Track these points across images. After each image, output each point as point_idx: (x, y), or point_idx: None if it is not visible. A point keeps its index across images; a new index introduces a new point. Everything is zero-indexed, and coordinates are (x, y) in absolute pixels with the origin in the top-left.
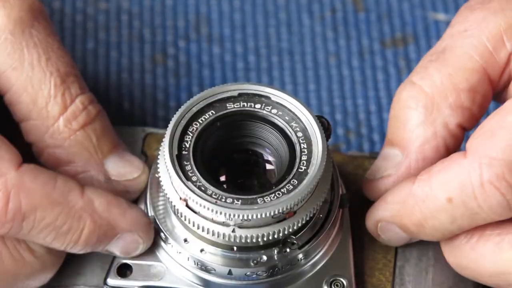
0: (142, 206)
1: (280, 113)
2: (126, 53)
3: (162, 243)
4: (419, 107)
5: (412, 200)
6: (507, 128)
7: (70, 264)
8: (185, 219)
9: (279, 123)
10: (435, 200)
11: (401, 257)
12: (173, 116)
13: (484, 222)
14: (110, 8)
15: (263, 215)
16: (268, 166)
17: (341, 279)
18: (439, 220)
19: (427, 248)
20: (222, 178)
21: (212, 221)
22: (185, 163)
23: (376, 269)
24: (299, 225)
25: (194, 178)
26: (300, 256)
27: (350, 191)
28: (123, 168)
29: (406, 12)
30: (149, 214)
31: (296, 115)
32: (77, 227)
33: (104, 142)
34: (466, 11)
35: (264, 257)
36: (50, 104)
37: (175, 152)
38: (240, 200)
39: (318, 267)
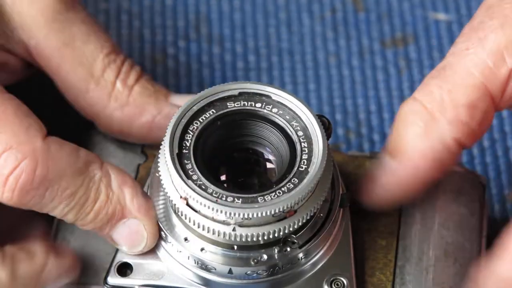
0: None
1: (280, 112)
2: (126, 53)
3: (163, 242)
4: (418, 121)
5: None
6: None
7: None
8: (185, 218)
9: (280, 122)
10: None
11: (401, 256)
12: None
13: None
14: (110, 8)
15: (264, 214)
16: (269, 165)
17: (342, 279)
18: None
19: (428, 247)
20: (223, 177)
21: (213, 219)
22: (186, 161)
23: (376, 269)
24: (300, 224)
25: (194, 177)
26: (301, 255)
27: (350, 191)
28: (186, 98)
29: (406, 12)
30: None
31: (296, 114)
32: (93, 198)
33: (159, 86)
34: (469, 31)
35: (265, 256)
36: (107, 73)
37: (176, 150)
38: (240, 199)
39: (319, 266)
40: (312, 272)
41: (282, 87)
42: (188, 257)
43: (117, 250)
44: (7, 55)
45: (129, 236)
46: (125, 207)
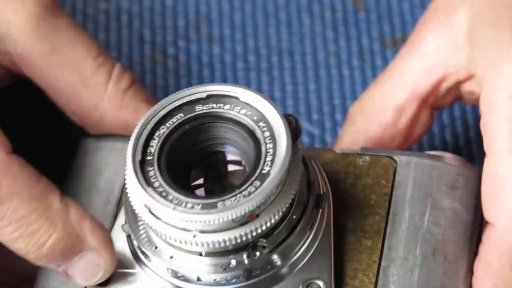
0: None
1: (249, 113)
2: (126, 53)
3: (137, 251)
4: (356, 120)
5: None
6: None
7: (56, 273)
8: (151, 226)
9: (247, 124)
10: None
11: (386, 257)
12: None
13: None
14: (110, 8)
15: (222, 219)
16: (236, 168)
17: (318, 282)
18: None
19: (415, 246)
20: (192, 182)
21: (174, 227)
22: (149, 168)
23: (359, 270)
24: (264, 228)
25: (156, 184)
26: (276, 258)
27: (338, 190)
28: None
29: (406, 12)
30: (125, 222)
31: (263, 114)
32: (47, 229)
33: (149, 95)
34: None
35: (233, 262)
36: (97, 75)
37: (139, 158)
38: (200, 205)
39: (296, 269)
40: (289, 276)
41: (282, 87)
42: (160, 265)
43: None
44: None
45: (86, 268)
46: (85, 241)
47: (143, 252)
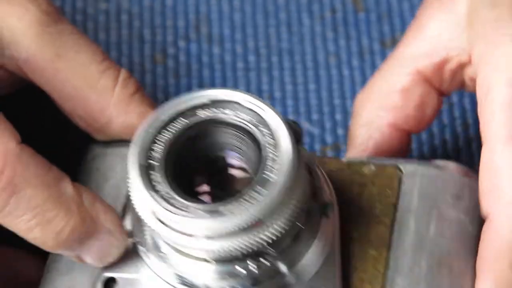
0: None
1: (250, 118)
2: (126, 53)
3: (144, 256)
4: (364, 111)
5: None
6: None
7: (61, 278)
8: (158, 232)
9: (250, 129)
10: (502, 273)
11: (392, 267)
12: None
13: None
14: (110, 8)
15: (228, 225)
16: (240, 174)
17: None
18: None
19: (420, 257)
20: (195, 188)
21: (181, 233)
22: (153, 173)
23: (365, 280)
24: (269, 234)
25: (161, 189)
26: (282, 266)
27: (344, 199)
28: None
29: (406, 12)
30: (131, 228)
31: (265, 120)
32: (63, 215)
33: (153, 102)
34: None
35: (241, 269)
36: (103, 79)
37: (142, 162)
38: (205, 211)
39: (303, 278)
40: (296, 284)
41: (282, 87)
42: (167, 271)
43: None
44: None
45: (100, 250)
46: (99, 222)
47: (149, 258)
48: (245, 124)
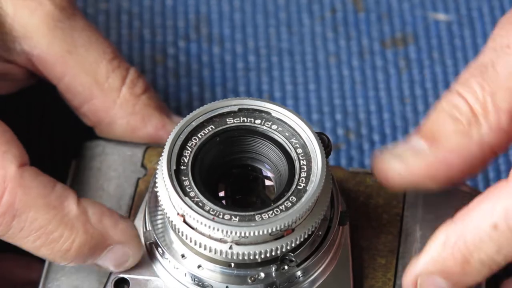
0: (141, 220)
1: (280, 129)
2: (126, 53)
3: (160, 258)
4: (461, 118)
5: (453, 237)
6: None
7: (67, 277)
8: (182, 235)
9: (279, 139)
10: (479, 230)
11: (401, 275)
12: (173, 129)
13: None
14: (110, 8)
15: (261, 233)
16: (267, 182)
17: None
18: (485, 252)
19: None
20: (221, 194)
21: (210, 237)
22: (183, 178)
23: None
24: (297, 242)
25: (192, 194)
26: (299, 273)
27: (351, 208)
28: None
29: (406, 12)
30: (147, 229)
31: (296, 131)
32: (68, 235)
33: (163, 103)
34: (507, 25)
35: (262, 274)
36: (111, 78)
37: (173, 167)
38: (238, 217)
39: (317, 284)
40: None
41: (282, 87)
42: (185, 274)
43: None
44: (8, 65)
45: (115, 259)
46: (109, 238)
47: (165, 260)
48: (274, 134)
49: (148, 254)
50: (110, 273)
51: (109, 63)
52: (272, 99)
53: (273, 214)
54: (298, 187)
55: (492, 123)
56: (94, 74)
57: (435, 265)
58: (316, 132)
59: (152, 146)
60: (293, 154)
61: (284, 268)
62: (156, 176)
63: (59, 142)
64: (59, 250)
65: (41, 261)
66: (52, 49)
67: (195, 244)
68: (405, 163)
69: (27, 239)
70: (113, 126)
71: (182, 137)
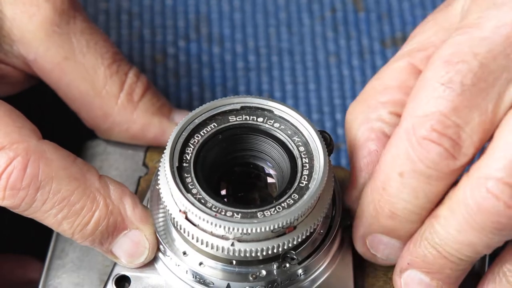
0: None
1: (282, 127)
2: (126, 53)
3: (161, 255)
4: (358, 113)
5: (376, 195)
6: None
7: (68, 275)
8: (184, 232)
9: (281, 137)
10: (391, 181)
11: None
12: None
13: (443, 186)
14: (110, 8)
15: (263, 229)
16: (269, 180)
17: None
18: (404, 201)
19: None
20: (223, 191)
21: (212, 234)
22: (186, 175)
23: (376, 286)
24: (299, 240)
25: (194, 191)
26: (300, 271)
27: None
28: None
29: (406, 12)
30: None
31: (298, 129)
32: (90, 207)
33: (163, 102)
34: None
35: (263, 272)
36: (108, 85)
37: (176, 164)
38: (240, 214)
39: (318, 283)
40: None
41: (282, 87)
42: (187, 271)
43: (115, 263)
44: (6, 68)
45: (131, 248)
46: (126, 218)
47: (166, 257)
48: (277, 132)
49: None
50: (111, 271)
51: (107, 68)
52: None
53: (275, 211)
54: (300, 184)
55: (383, 100)
56: (91, 81)
57: (371, 225)
58: (318, 130)
59: (153, 146)
60: (295, 152)
61: (285, 266)
62: (158, 173)
63: (59, 142)
64: (79, 224)
65: (41, 260)
66: (49, 55)
67: (197, 241)
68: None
69: (50, 212)
70: (112, 131)
71: (185, 134)
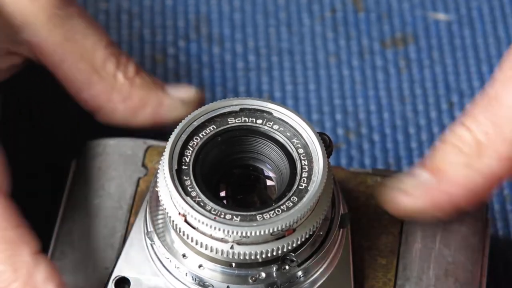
0: (142, 220)
1: (281, 129)
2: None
3: (161, 258)
4: (465, 149)
5: None
6: None
7: (67, 277)
8: (183, 235)
9: (281, 139)
10: None
11: (401, 276)
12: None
13: None
14: (110, 8)
15: (262, 232)
16: (269, 182)
17: None
18: None
19: (428, 267)
20: (222, 194)
21: (211, 237)
22: (185, 178)
23: None
24: (299, 242)
25: (193, 194)
26: (300, 273)
27: (351, 209)
28: (181, 90)
29: (406, 12)
30: (148, 228)
31: (297, 131)
32: (9, 275)
33: (154, 78)
34: None
35: (263, 274)
36: (107, 65)
37: (175, 166)
38: (239, 217)
39: (318, 284)
40: None
41: (282, 87)
42: (186, 273)
43: (115, 264)
44: (13, 58)
45: None
46: None
47: (166, 259)
48: (276, 134)
49: (150, 253)
50: (111, 273)
51: (104, 48)
52: (272, 99)
53: (275, 214)
54: (300, 187)
55: (497, 153)
56: (91, 61)
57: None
58: (318, 132)
59: (153, 146)
60: (295, 154)
61: (285, 268)
62: (157, 175)
63: (59, 142)
64: None
65: None
66: (52, 36)
67: (196, 243)
68: (410, 196)
69: None
70: (114, 111)
71: (184, 136)
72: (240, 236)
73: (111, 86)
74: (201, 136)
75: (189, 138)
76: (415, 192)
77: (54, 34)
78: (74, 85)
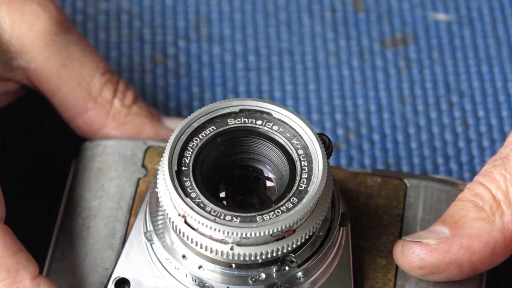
0: (141, 221)
1: (281, 130)
2: (126, 53)
3: (161, 259)
4: (484, 205)
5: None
6: None
7: (68, 277)
8: (183, 236)
9: (280, 140)
10: None
11: (401, 276)
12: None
13: None
14: (110, 8)
15: (262, 234)
16: (268, 183)
17: None
18: None
19: None
20: (222, 195)
21: (211, 238)
22: (185, 179)
23: None
24: (298, 243)
25: (193, 195)
26: (300, 274)
27: (350, 209)
28: (177, 122)
29: (406, 12)
30: (148, 229)
31: (297, 132)
32: None
33: (152, 109)
34: None
35: (263, 275)
36: (103, 92)
37: (175, 168)
38: (239, 218)
39: (318, 285)
40: None
41: (282, 87)
42: (186, 274)
43: (115, 265)
44: (7, 84)
45: None
46: None
47: (166, 260)
48: (275, 135)
49: (150, 254)
50: (111, 273)
51: (102, 76)
52: (272, 99)
53: (274, 215)
54: (299, 188)
55: None
56: (88, 88)
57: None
58: (317, 133)
59: (153, 146)
60: (294, 155)
61: (285, 269)
62: (157, 176)
63: (59, 142)
64: None
65: (41, 263)
66: (48, 63)
67: (196, 245)
68: (428, 247)
69: None
70: (108, 137)
71: (183, 138)
72: (240, 237)
73: (107, 112)
74: (201, 137)
75: (189, 139)
76: (434, 244)
77: (51, 60)
78: (69, 111)
